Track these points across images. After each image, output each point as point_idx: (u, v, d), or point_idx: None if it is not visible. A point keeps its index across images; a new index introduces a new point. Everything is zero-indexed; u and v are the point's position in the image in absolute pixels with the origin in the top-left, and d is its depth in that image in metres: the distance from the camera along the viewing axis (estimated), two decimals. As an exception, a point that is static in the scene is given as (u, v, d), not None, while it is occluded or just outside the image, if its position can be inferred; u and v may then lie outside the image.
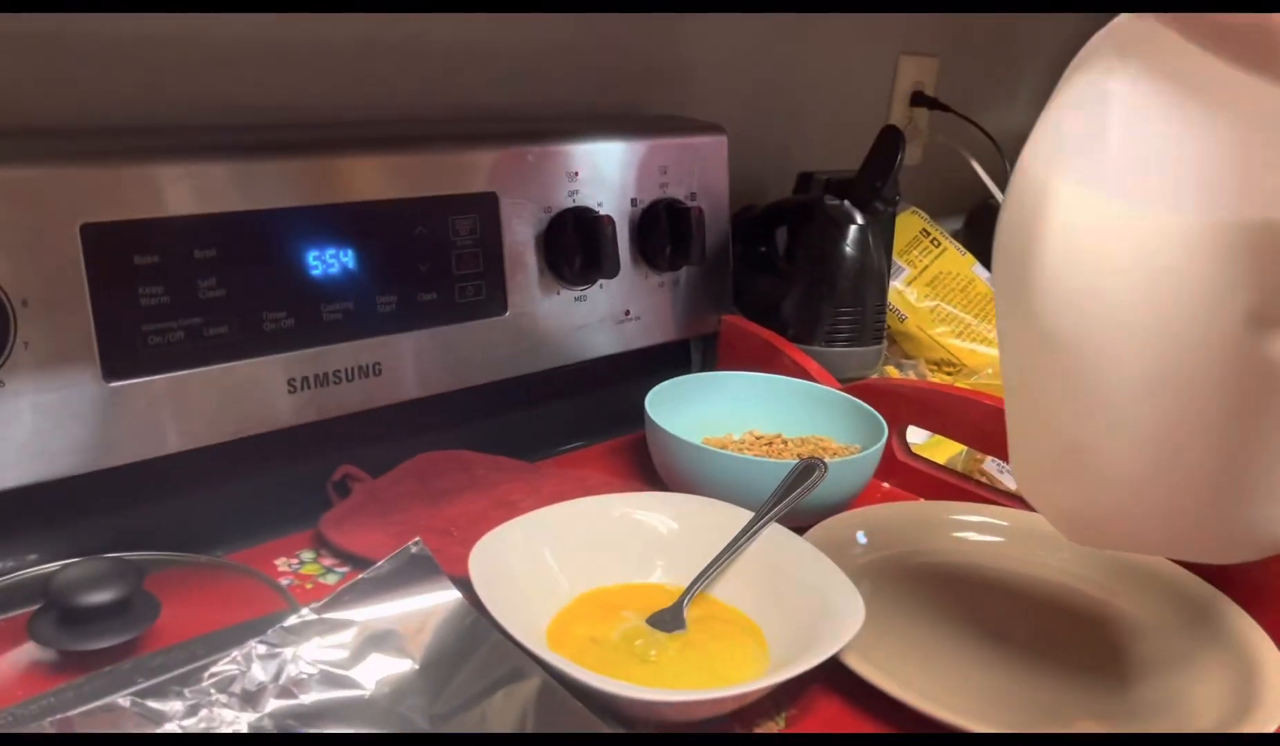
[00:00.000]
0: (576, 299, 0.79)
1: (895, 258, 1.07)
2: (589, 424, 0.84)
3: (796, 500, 0.62)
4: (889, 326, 1.07)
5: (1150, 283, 0.41)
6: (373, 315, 0.68)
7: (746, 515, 0.62)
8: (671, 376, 0.81)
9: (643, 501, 0.64)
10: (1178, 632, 0.61)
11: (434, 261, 0.70)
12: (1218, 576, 0.63)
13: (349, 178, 0.66)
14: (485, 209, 0.72)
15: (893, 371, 1.04)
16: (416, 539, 0.55)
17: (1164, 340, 0.41)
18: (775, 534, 0.61)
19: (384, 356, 0.69)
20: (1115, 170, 0.42)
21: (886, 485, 0.80)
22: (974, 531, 0.70)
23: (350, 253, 0.67)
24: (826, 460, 0.66)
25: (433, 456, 0.76)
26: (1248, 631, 0.59)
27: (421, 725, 0.50)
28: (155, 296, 0.59)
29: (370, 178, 0.67)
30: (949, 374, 1.06)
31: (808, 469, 0.64)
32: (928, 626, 0.61)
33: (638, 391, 0.77)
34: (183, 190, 0.59)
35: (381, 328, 0.68)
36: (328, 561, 0.65)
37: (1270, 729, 0.51)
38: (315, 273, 0.65)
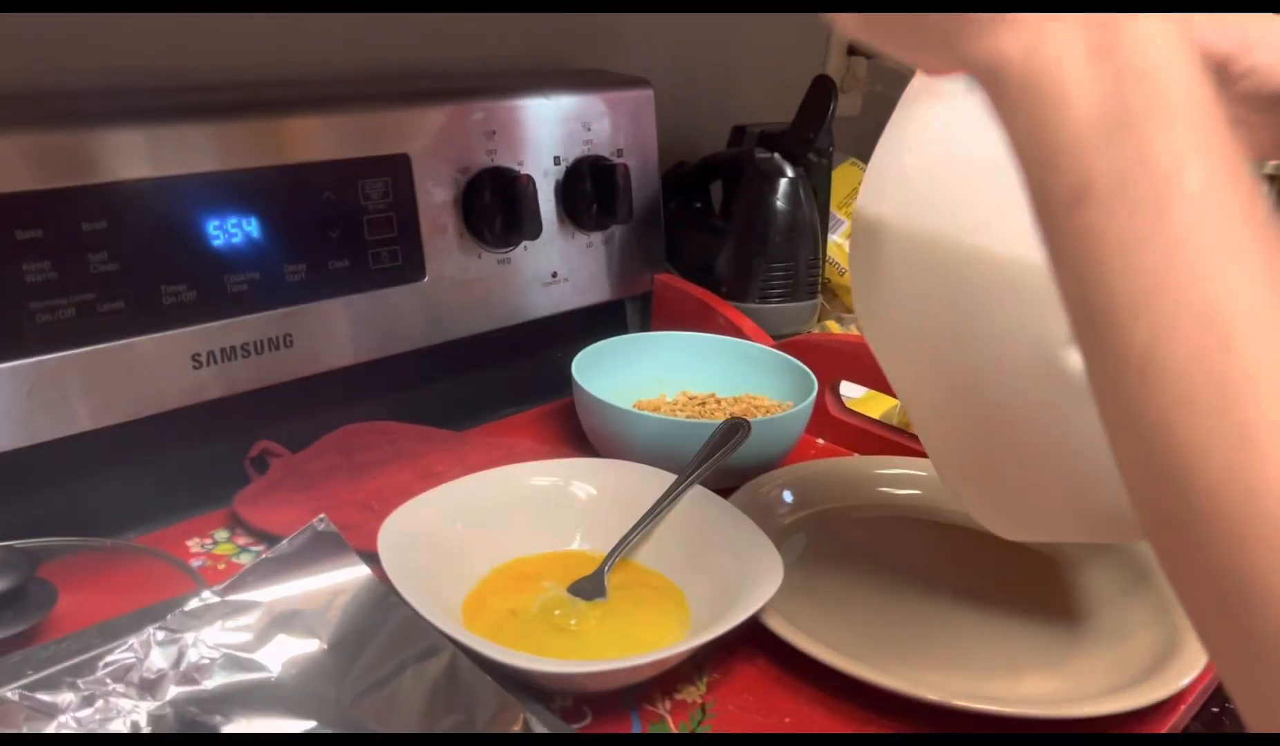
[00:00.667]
0: (500, 261, 0.77)
1: (834, 210, 1.05)
2: (520, 390, 0.82)
3: (719, 461, 0.61)
4: (829, 280, 1.05)
5: (955, 307, 0.43)
6: (281, 285, 0.65)
7: (669, 478, 0.60)
8: (606, 338, 0.79)
9: (560, 468, 0.62)
10: (1106, 571, 0.61)
11: (345, 227, 0.68)
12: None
13: (251, 142, 0.64)
14: (398, 171, 0.70)
15: (834, 326, 1.03)
16: (321, 515, 0.54)
17: (966, 358, 0.44)
18: (697, 496, 0.59)
19: (295, 328, 0.66)
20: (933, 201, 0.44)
21: (821, 441, 0.79)
22: (899, 485, 0.69)
23: (254, 221, 0.64)
24: (753, 419, 0.65)
25: (356, 428, 0.74)
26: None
27: (329, 707, 0.48)
28: (41, 273, 0.56)
29: (274, 141, 0.64)
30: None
31: (731, 429, 0.62)
32: (853, 583, 0.60)
33: (570, 355, 0.75)
34: (68, 159, 0.56)
35: (291, 298, 0.66)
36: (242, 540, 0.63)
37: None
38: (217, 243, 0.62)
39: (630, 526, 0.58)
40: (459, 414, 0.78)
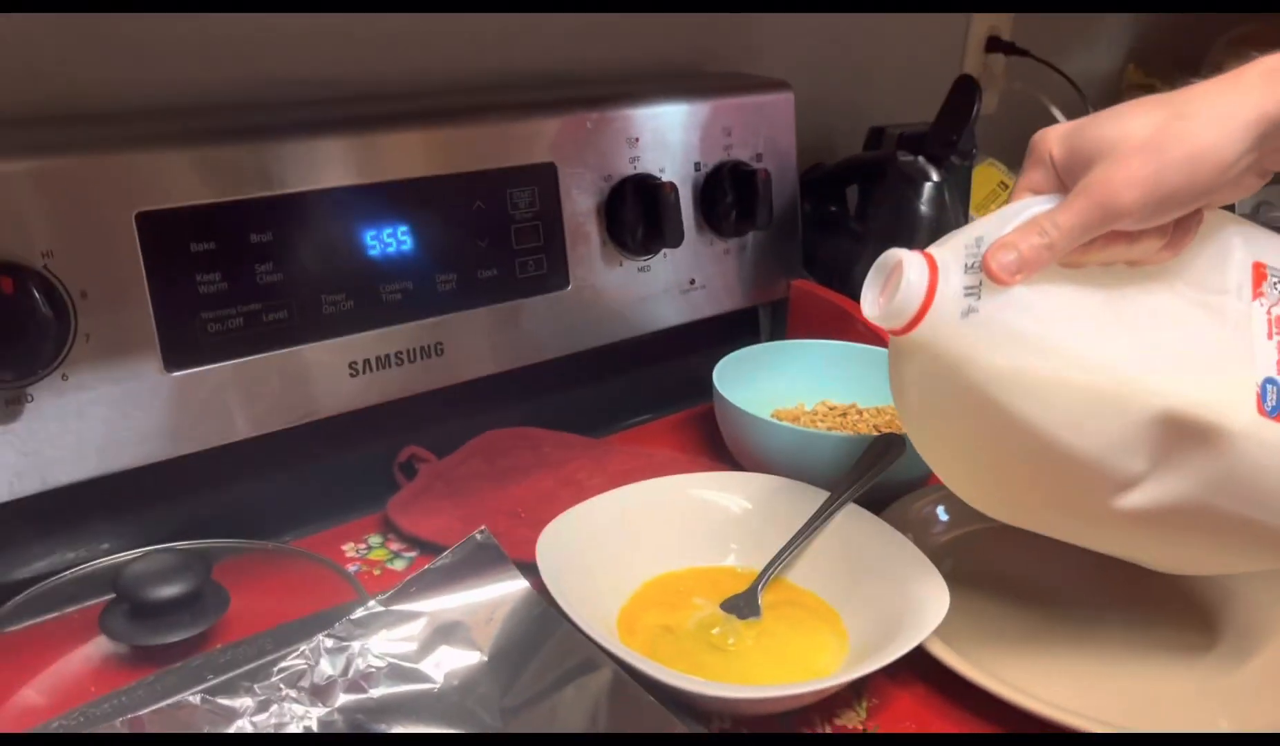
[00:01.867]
0: (640, 269, 0.77)
1: (972, 212, 1.02)
2: (655, 397, 0.82)
3: (873, 478, 0.59)
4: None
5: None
6: (433, 294, 0.66)
7: (821, 495, 0.59)
8: (740, 346, 0.78)
9: (714, 481, 0.62)
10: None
11: (493, 237, 0.68)
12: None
13: (403, 154, 0.65)
14: (544, 180, 0.70)
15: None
16: (482, 528, 0.54)
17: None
18: (852, 514, 0.58)
19: (445, 336, 0.67)
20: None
21: (967, 455, 0.77)
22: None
23: (407, 231, 0.65)
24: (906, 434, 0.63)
25: (498, 434, 0.75)
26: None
27: (491, 719, 0.49)
28: (213, 283, 0.58)
29: (425, 153, 0.65)
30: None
31: (886, 444, 0.61)
32: (1012, 605, 0.58)
33: (705, 362, 0.74)
34: (236, 173, 0.58)
35: (442, 306, 0.67)
36: (395, 546, 0.64)
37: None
38: (373, 253, 0.64)
39: (783, 543, 0.57)
40: (597, 420, 0.79)
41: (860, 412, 0.77)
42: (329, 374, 0.63)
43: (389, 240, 0.64)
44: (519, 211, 0.69)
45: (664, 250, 0.77)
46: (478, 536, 0.54)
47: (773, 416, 0.77)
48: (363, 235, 0.63)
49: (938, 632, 0.51)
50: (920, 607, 0.51)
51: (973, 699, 0.50)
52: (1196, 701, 0.51)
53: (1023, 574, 0.61)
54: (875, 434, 0.70)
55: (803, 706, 0.50)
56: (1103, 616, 0.57)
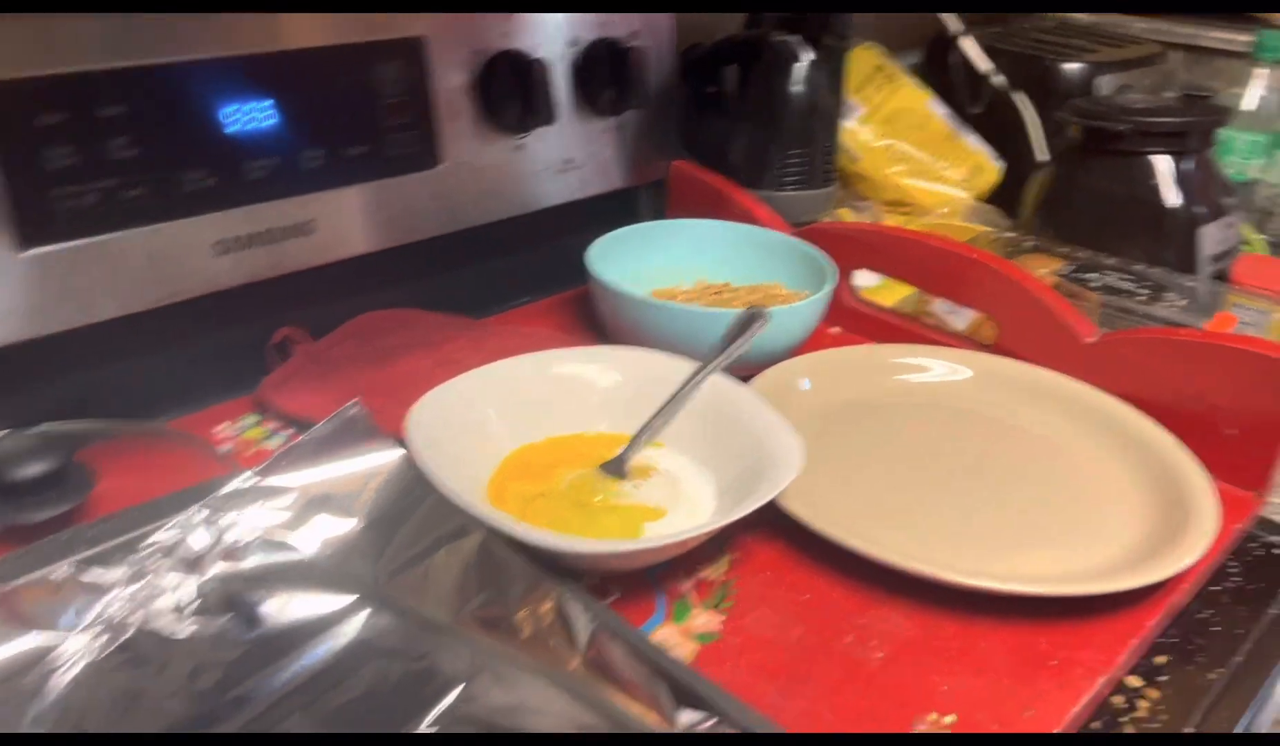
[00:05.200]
0: (515, 148, 0.76)
1: (848, 96, 1.04)
2: (535, 278, 0.83)
3: (738, 350, 0.61)
4: (842, 168, 1.05)
5: None
6: (299, 171, 0.65)
7: (690, 366, 0.61)
8: (619, 226, 0.79)
9: (585, 355, 0.63)
10: (1114, 462, 0.62)
11: (360, 113, 0.67)
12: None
13: (265, 26, 0.63)
14: (411, 55, 0.69)
15: (846, 214, 1.02)
16: (354, 400, 0.55)
17: None
18: (719, 383, 0.60)
19: (315, 213, 0.67)
20: None
21: (836, 330, 0.80)
22: (915, 373, 0.70)
23: (270, 107, 0.63)
24: (770, 308, 0.65)
25: (376, 316, 0.75)
26: (1180, 460, 0.60)
27: (366, 583, 0.50)
28: (63, 158, 0.56)
29: (287, 25, 0.63)
30: (904, 215, 1.05)
31: (750, 318, 0.63)
32: (870, 466, 0.61)
33: (585, 243, 0.75)
34: (86, 43, 0.56)
35: (310, 184, 0.66)
36: (271, 425, 0.64)
37: (1198, 551, 0.53)
38: (233, 128, 0.62)
39: (653, 412, 0.59)
40: (476, 302, 0.79)
41: (734, 290, 0.79)
42: (193, 253, 0.62)
43: (250, 116, 0.63)
44: (387, 87, 0.68)
45: (539, 128, 0.76)
46: (350, 409, 0.54)
47: (654, 294, 0.79)
48: (221, 111, 0.61)
49: (795, 490, 0.54)
50: (776, 465, 0.54)
51: (827, 552, 0.53)
52: (1035, 549, 0.56)
53: (883, 438, 0.64)
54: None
55: (667, 559, 0.52)
56: (953, 474, 0.61)
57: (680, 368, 0.61)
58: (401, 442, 0.54)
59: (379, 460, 0.54)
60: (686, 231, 0.81)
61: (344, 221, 0.68)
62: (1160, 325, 0.75)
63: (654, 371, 0.62)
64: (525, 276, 0.83)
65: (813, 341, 0.75)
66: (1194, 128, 0.87)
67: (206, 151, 0.61)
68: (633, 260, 0.79)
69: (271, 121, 0.63)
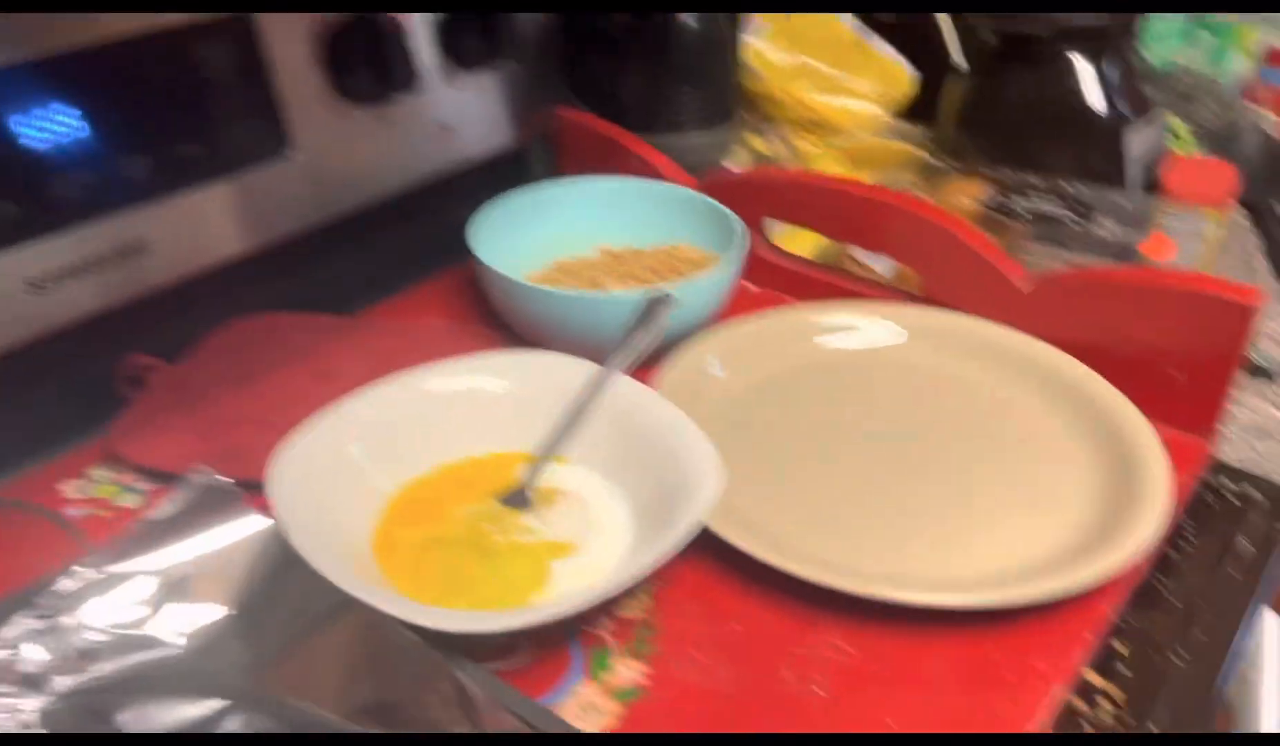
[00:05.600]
0: (377, 120, 0.68)
1: (752, 12, 0.96)
2: (419, 261, 0.75)
3: (641, 345, 0.55)
4: (746, 88, 0.97)
5: None
6: (120, 184, 0.56)
7: (587, 367, 0.55)
8: (513, 188, 0.71)
9: (462, 367, 0.55)
10: (1061, 424, 0.58)
11: (186, 107, 0.58)
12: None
13: (62, 18, 0.53)
14: (241, 33, 0.59)
15: (754, 140, 0.95)
16: (199, 466, 0.48)
17: None
18: (624, 388, 0.54)
19: (146, 230, 0.58)
20: None
21: (754, 287, 0.74)
22: (833, 333, 0.64)
23: (76, 112, 0.54)
24: (674, 289, 0.59)
25: (241, 326, 0.67)
26: (1131, 422, 0.56)
27: (241, 680, 0.44)
28: None
29: (82, 19, 0.54)
30: (817, 136, 0.98)
31: (651, 306, 0.57)
32: (799, 459, 0.56)
33: (470, 213, 0.67)
34: None
35: (135, 197, 0.57)
36: (127, 478, 0.57)
37: (1153, 522, 0.49)
38: (32, 143, 0.53)
39: (552, 424, 0.53)
40: (354, 294, 0.71)
41: (639, 254, 0.72)
42: (3, 295, 0.53)
43: (52, 126, 0.54)
44: (215, 73, 0.59)
45: (400, 95, 0.68)
46: (197, 477, 0.47)
47: (556, 267, 0.72)
48: (16, 124, 0.52)
49: (718, 502, 0.49)
50: (692, 488, 0.48)
51: (756, 569, 0.48)
52: (985, 537, 0.51)
53: (807, 419, 0.59)
54: (646, 287, 0.66)
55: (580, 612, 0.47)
56: (885, 457, 0.56)
57: (576, 369, 0.55)
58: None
59: (242, 529, 0.47)
60: (580, 191, 0.74)
61: (183, 233, 0.60)
62: (1094, 253, 0.70)
63: (546, 375, 0.55)
64: (408, 260, 0.75)
65: (730, 303, 0.69)
66: (1114, 24, 0.81)
67: (2, 175, 0.52)
68: (526, 229, 0.72)
69: (79, 130, 0.54)
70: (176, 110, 0.58)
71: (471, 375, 0.55)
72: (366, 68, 0.64)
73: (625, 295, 0.59)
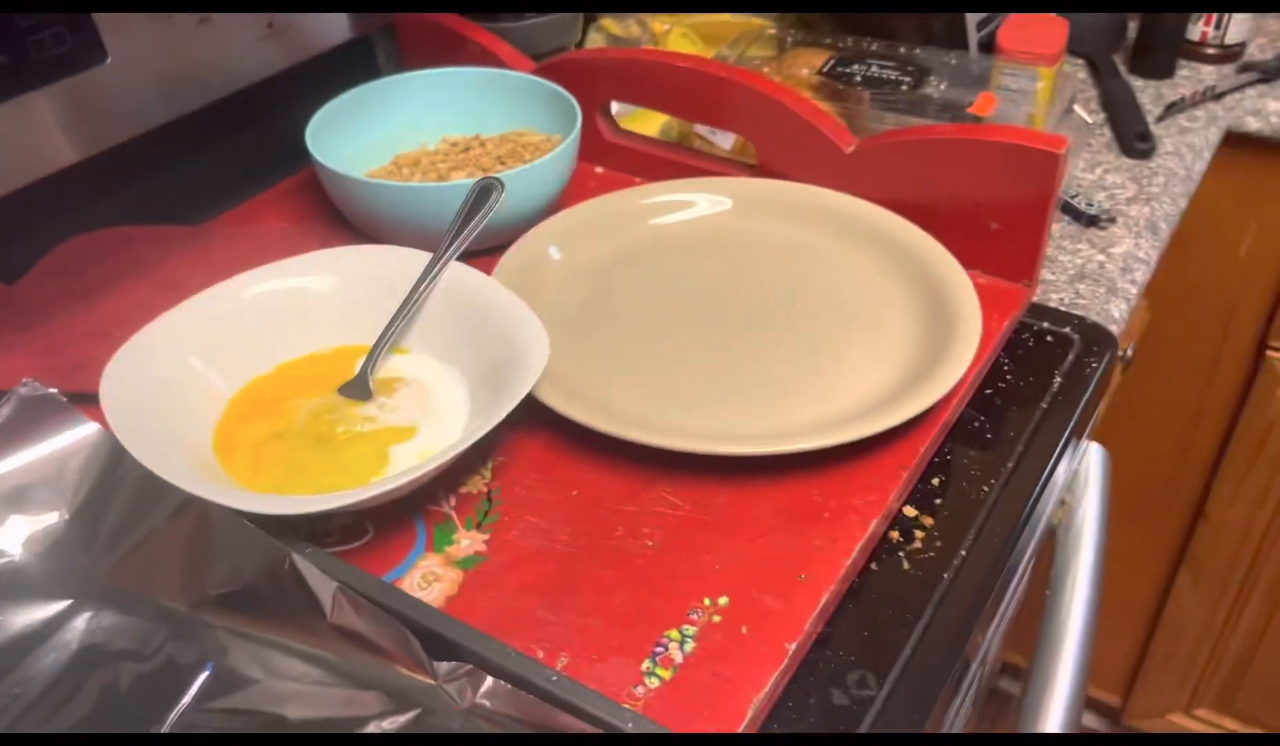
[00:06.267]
0: (200, 22, 0.66)
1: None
2: (263, 165, 0.74)
3: (474, 230, 0.56)
4: (599, -28, 0.96)
5: None
6: (-78, 101, 0.55)
7: (418, 257, 0.55)
8: (357, 86, 0.70)
9: (290, 267, 0.55)
10: (881, 275, 0.60)
11: (-15, 16, 0.56)
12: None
13: None
14: (35, -66, 0.57)
15: (610, 24, 0.95)
16: (25, 379, 0.48)
17: None
18: (458, 274, 0.55)
19: (-41, 148, 0.56)
20: None
21: (600, 169, 0.74)
22: (669, 212, 0.65)
23: None
24: (505, 173, 0.59)
25: (79, 242, 0.66)
26: (943, 265, 0.59)
27: (84, 580, 0.45)
28: None
29: None
30: (672, 15, 0.98)
31: (482, 192, 0.57)
32: (632, 332, 0.58)
33: (312, 114, 0.67)
34: None
35: (-59, 114, 0.55)
36: (-35, 401, 0.56)
37: (960, 365, 0.52)
38: None
39: (388, 317, 0.54)
40: (196, 204, 0.70)
41: (483, 143, 0.72)
42: None
43: None
44: (12, -22, 0.57)
45: (221, -5, 0.66)
46: (21, 389, 0.47)
47: (396, 161, 0.72)
48: None
49: (552, 378, 0.51)
50: (524, 358, 0.49)
51: (591, 437, 0.50)
52: (794, 399, 0.54)
53: (641, 298, 0.60)
54: (485, 174, 0.66)
55: (418, 486, 0.48)
56: (711, 326, 0.58)
57: (407, 259, 0.55)
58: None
59: (74, 437, 0.48)
60: (420, 84, 0.73)
61: (6, 147, 0.58)
62: (927, 115, 0.72)
63: (378, 269, 0.56)
64: (255, 164, 0.74)
65: (575, 186, 0.69)
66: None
67: None
68: (368, 127, 0.71)
69: None
70: (-25, 20, 0.56)
71: (297, 276, 0.55)
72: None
73: (457, 184, 0.59)
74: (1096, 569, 0.59)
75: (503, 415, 0.46)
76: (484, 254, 0.62)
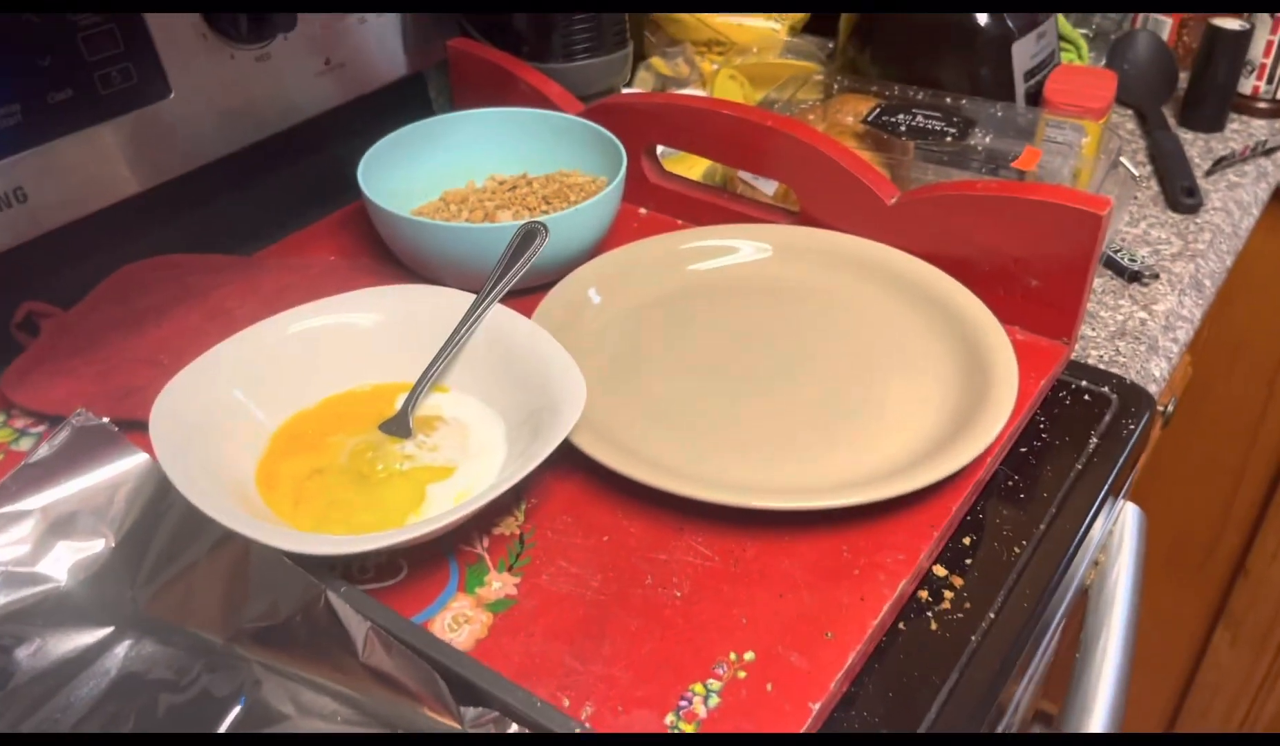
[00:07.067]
0: (258, 59, 0.68)
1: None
2: (311, 199, 0.76)
3: (518, 273, 0.57)
4: (650, 16, 0.97)
5: None
6: (-8, 134, 0.57)
7: (461, 298, 0.56)
8: (413, 121, 0.72)
9: (336, 305, 0.56)
10: (918, 329, 0.61)
11: (56, 51, 0.58)
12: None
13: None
14: (106, -25, 0.59)
15: (659, 63, 0.96)
16: (79, 409, 0.49)
17: None
18: (499, 316, 0.56)
19: (25, 179, 0.58)
20: None
21: (643, 211, 0.75)
22: (709, 258, 0.66)
23: (-62, 62, 0.54)
24: (549, 218, 0.60)
25: (133, 269, 0.68)
26: (981, 321, 0.59)
27: (125, 608, 0.46)
28: None
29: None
30: (719, 55, 0.99)
31: (527, 235, 0.58)
32: (668, 378, 0.58)
33: (365, 149, 0.68)
34: None
35: (11, 145, 0.57)
36: (20, 423, 0.58)
37: (996, 424, 0.52)
38: (-104, 97, 0.53)
39: (430, 354, 0.55)
40: (248, 235, 0.72)
41: (530, 182, 0.73)
42: (-120, 250, 0.54)
43: (-84, 77, 0.54)
44: (83, 14, 0.59)
45: (280, 33, 0.68)
46: (74, 419, 0.49)
47: (444, 198, 0.73)
48: (-124, 77, 0.52)
49: (588, 422, 0.51)
50: (562, 402, 0.50)
51: (625, 484, 0.51)
52: (837, 454, 0.54)
53: (678, 344, 0.61)
54: (531, 216, 0.67)
55: (453, 529, 0.49)
56: (753, 376, 0.59)
57: (450, 300, 0.57)
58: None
59: (124, 466, 0.49)
60: (470, 123, 0.75)
61: (64, 180, 0.60)
62: (970, 167, 0.72)
63: (422, 308, 0.57)
64: (300, 199, 0.75)
65: (619, 226, 0.70)
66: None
67: None
68: (417, 162, 0.73)
69: (-55, 80, 0.55)
70: (44, 55, 0.58)
71: (342, 313, 0.56)
72: (244, 10, 0.64)
73: (502, 226, 0.60)
74: (1129, 631, 0.58)
75: (538, 461, 0.47)
76: (528, 293, 0.63)
